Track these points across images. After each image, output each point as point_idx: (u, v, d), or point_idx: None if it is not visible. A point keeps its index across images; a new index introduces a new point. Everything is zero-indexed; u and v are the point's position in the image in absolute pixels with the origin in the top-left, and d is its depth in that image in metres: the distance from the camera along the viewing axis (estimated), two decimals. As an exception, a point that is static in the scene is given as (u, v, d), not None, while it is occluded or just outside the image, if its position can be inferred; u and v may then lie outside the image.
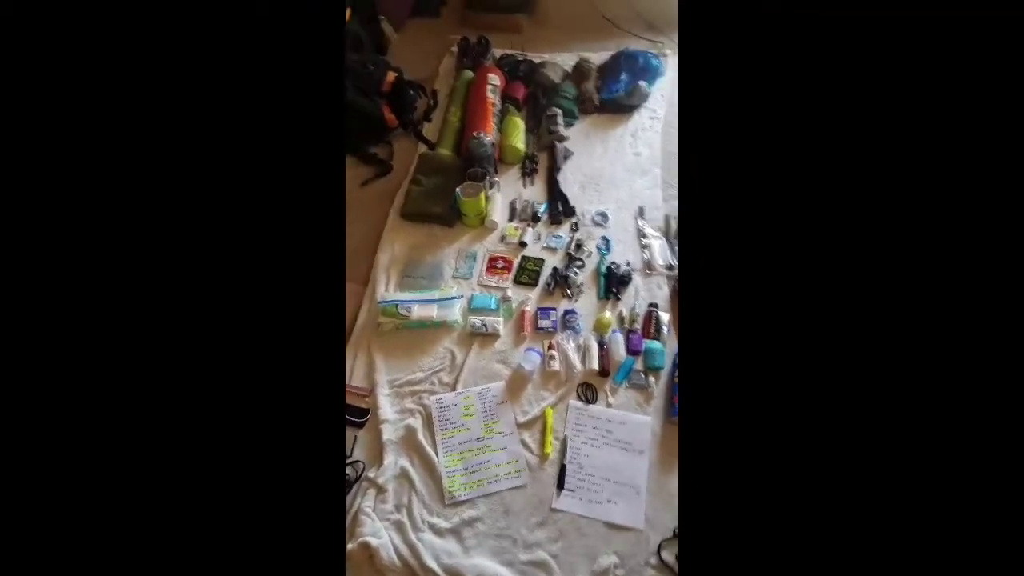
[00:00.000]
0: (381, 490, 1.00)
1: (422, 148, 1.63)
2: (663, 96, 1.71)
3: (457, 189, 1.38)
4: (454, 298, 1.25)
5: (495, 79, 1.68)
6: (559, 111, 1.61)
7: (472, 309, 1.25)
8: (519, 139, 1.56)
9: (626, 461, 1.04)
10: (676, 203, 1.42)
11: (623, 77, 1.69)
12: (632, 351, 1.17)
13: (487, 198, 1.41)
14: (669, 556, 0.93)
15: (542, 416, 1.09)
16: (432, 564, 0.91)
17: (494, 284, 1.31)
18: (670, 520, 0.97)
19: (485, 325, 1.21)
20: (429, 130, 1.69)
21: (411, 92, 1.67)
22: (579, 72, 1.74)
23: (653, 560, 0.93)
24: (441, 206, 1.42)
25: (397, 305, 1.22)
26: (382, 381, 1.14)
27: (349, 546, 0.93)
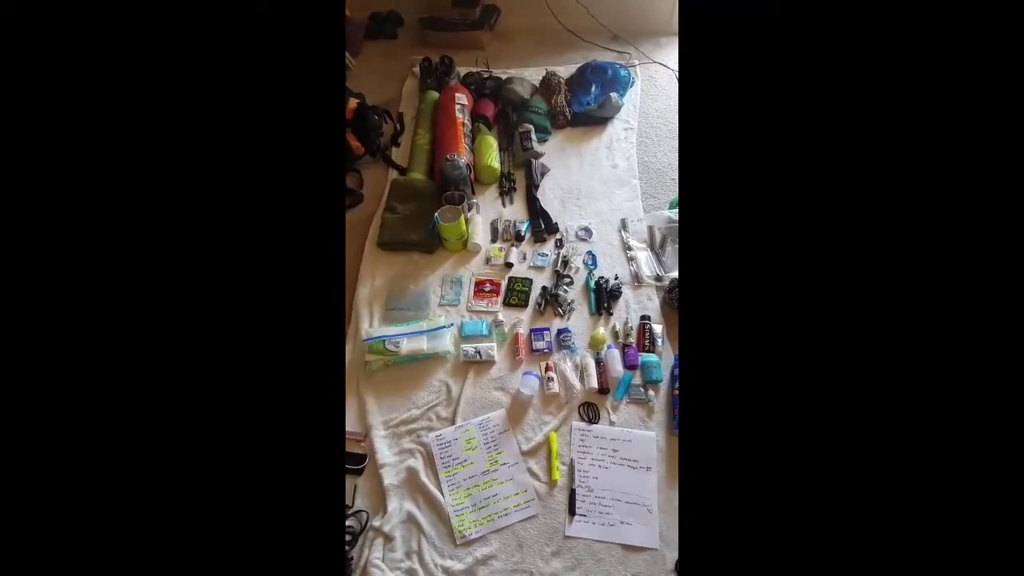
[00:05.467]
0: (388, 538, 1.01)
1: (393, 174, 1.67)
2: (635, 107, 1.82)
3: (436, 214, 1.42)
4: (444, 327, 1.29)
5: (463, 98, 1.75)
6: (531, 127, 1.69)
7: (463, 336, 1.29)
8: (494, 158, 1.63)
9: (634, 479, 1.09)
10: (657, 213, 1.51)
11: (593, 89, 1.80)
12: (629, 366, 1.23)
13: (467, 221, 1.47)
14: (688, 571, 0.98)
15: (546, 441, 1.14)
16: (449, 610, 0.93)
17: (483, 308, 1.36)
18: (685, 534, 1.02)
19: (479, 352, 1.25)
20: (398, 155, 1.74)
21: (375, 117, 1.72)
22: (548, 86, 1.83)
23: (672, 577, 0.98)
24: (419, 232, 1.47)
25: (384, 341, 1.24)
26: (376, 423, 1.16)
27: (360, 602, 0.94)
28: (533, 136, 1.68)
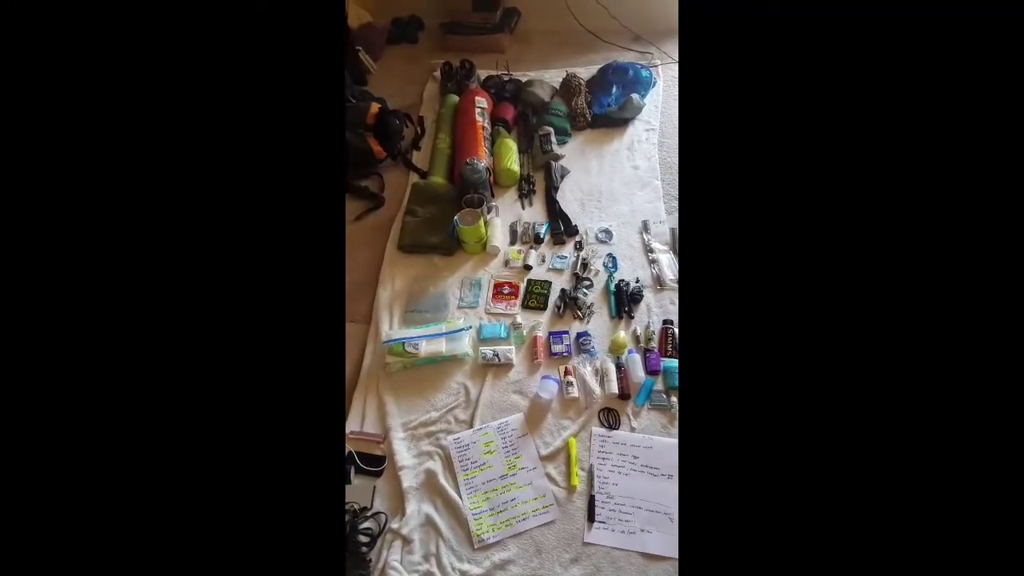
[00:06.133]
0: (407, 541, 1.02)
1: (414, 178, 1.70)
2: (657, 107, 1.81)
3: (456, 217, 1.44)
4: (462, 329, 1.29)
5: (483, 102, 1.76)
6: (551, 129, 1.69)
7: (482, 339, 1.30)
8: (513, 161, 1.64)
9: (655, 486, 1.07)
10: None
11: (614, 90, 1.79)
12: (651, 371, 1.21)
13: (486, 223, 1.47)
14: (712, 583, 0.96)
15: (565, 447, 1.13)
16: (467, 614, 0.93)
17: (502, 311, 1.36)
18: (709, 545, 1.00)
19: (497, 355, 1.25)
20: (419, 158, 1.76)
21: (396, 121, 1.75)
22: (568, 88, 1.83)
23: (696, 589, 0.95)
24: (439, 235, 1.48)
25: (404, 343, 1.26)
26: (395, 425, 1.17)
27: (378, 603, 0.94)
28: (553, 138, 1.68)
